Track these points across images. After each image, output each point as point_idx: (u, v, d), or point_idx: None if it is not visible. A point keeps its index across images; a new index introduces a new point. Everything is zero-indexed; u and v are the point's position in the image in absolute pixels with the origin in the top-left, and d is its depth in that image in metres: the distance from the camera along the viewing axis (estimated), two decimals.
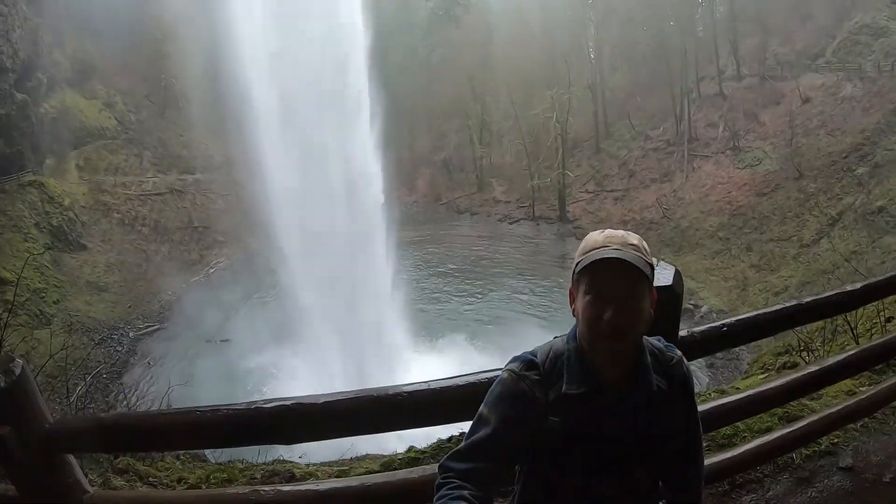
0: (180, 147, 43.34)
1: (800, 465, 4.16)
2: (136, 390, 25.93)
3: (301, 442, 2.62)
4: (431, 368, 26.77)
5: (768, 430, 4.30)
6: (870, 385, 4.86)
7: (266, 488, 2.73)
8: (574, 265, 1.81)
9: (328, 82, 26.20)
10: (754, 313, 3.16)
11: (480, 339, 29.91)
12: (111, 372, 28.44)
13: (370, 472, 4.30)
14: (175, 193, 42.45)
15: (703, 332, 2.97)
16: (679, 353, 2.00)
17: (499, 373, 2.16)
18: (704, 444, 4.19)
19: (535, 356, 1.89)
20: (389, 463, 4.53)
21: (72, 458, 2.80)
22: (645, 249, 1.79)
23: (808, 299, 3.33)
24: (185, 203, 42.09)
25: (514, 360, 1.91)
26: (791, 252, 31.81)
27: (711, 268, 33.93)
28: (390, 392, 2.46)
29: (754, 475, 4.04)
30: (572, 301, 1.85)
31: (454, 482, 1.77)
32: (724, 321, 3.06)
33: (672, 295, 2.52)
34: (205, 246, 40.33)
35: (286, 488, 2.72)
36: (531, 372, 1.86)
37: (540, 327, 31.25)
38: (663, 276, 2.52)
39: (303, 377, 26.17)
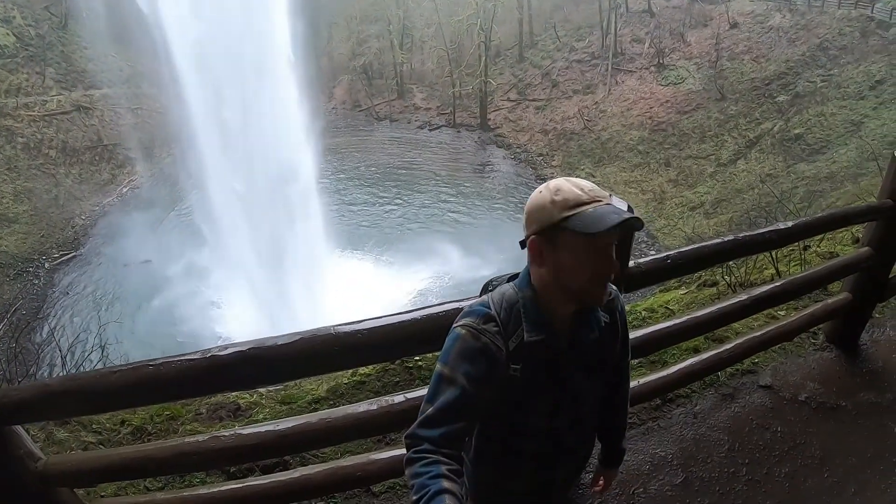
0: (85, 61, 40.35)
1: (724, 382, 4.42)
2: (62, 330, 25.54)
3: (261, 387, 2.58)
4: (351, 275, 27.12)
5: (696, 350, 4.52)
6: (787, 310, 5.15)
7: (226, 433, 2.68)
8: (555, 220, 1.73)
9: None
10: (696, 246, 3.24)
11: (398, 244, 30.39)
12: (31, 307, 27.53)
13: (318, 401, 4.38)
14: (82, 111, 39.80)
15: (648, 262, 3.05)
16: (614, 287, 2.04)
17: (457, 304, 2.29)
18: (637, 363, 4.43)
19: (489, 307, 1.85)
20: (336, 388, 4.53)
21: (20, 429, 2.68)
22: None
23: (745, 235, 3.44)
24: (94, 120, 39.51)
25: (468, 314, 1.86)
26: (708, 170, 32.81)
27: (630, 180, 34.68)
28: (348, 330, 2.38)
29: (683, 391, 4.28)
30: (538, 252, 1.80)
31: (428, 457, 1.70)
32: (668, 253, 3.13)
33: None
34: (116, 165, 38.32)
35: (246, 431, 2.63)
36: (489, 324, 1.81)
37: (456, 233, 32.12)
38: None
39: (226, 292, 26.08)
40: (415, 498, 1.64)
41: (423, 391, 2.09)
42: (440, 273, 28.03)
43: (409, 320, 2.45)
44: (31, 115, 37.41)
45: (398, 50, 51.10)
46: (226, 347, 2.36)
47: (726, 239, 3.34)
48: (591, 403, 2.07)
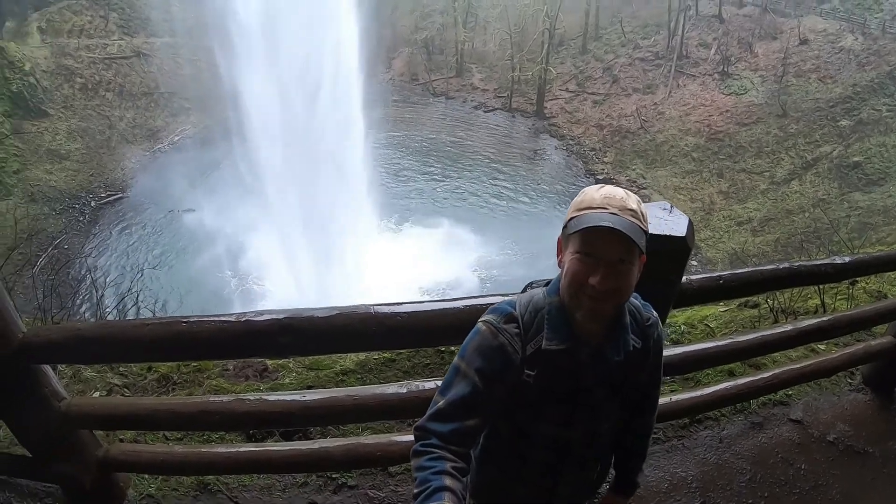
0: (149, 9, 40.47)
1: (755, 410, 4.35)
2: (101, 270, 26.07)
3: (292, 356, 2.59)
4: (391, 248, 27.22)
5: (732, 373, 4.44)
6: (827, 346, 5.03)
7: (251, 398, 2.71)
8: (567, 219, 1.76)
9: None
10: (750, 270, 3.17)
11: (440, 221, 30.42)
12: (74, 244, 28.21)
13: (346, 373, 4.36)
14: (142, 57, 40.26)
15: (699, 280, 2.97)
16: (655, 314, 1.99)
17: (497, 298, 2.20)
18: (670, 378, 4.35)
19: (514, 308, 1.83)
20: (365, 362, 4.51)
21: (47, 368, 2.72)
22: (643, 215, 1.72)
23: (800, 264, 3.35)
24: (152, 68, 39.92)
25: (493, 311, 1.85)
26: (761, 186, 32.11)
27: (680, 186, 34.08)
28: (387, 311, 2.36)
29: (712, 414, 4.21)
30: (560, 252, 1.81)
31: (434, 451, 1.72)
32: (721, 273, 3.06)
33: (683, 247, 2.43)
34: (171, 113, 38.73)
35: (271, 398, 2.66)
36: (510, 325, 1.80)
37: (497, 218, 31.98)
38: (677, 225, 2.43)
39: (266, 251, 26.28)
40: (416, 491, 1.66)
41: None
42: (477, 258, 27.98)
43: (450, 309, 2.42)
44: (91, 57, 38.06)
45: (461, 28, 50.70)
46: (262, 314, 2.36)
47: (782, 266, 3.26)
48: (611, 421, 2.03)
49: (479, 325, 1.83)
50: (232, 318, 2.34)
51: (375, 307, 2.38)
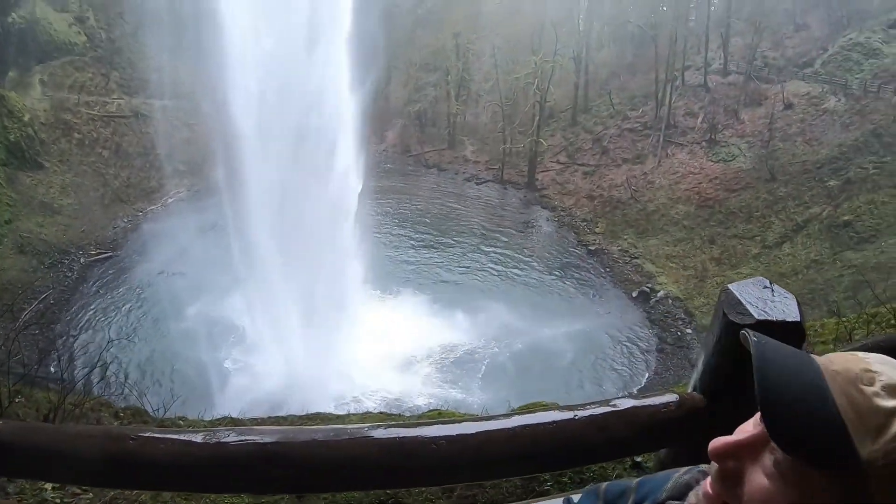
0: (150, 71, 41.57)
1: None
2: (84, 328, 25.93)
3: (284, 493, 2.14)
4: (380, 318, 26.96)
5: None
6: None
7: None
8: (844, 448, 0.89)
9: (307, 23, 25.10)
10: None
11: (430, 292, 30.35)
12: (60, 298, 28.15)
13: None
14: (140, 118, 41.21)
15: None
16: None
17: (553, 415, 1.85)
18: None
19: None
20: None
21: None
22: None
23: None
24: (149, 129, 40.61)
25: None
26: (753, 251, 32.40)
27: (672, 254, 34.24)
28: (415, 434, 1.85)
29: None
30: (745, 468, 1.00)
31: None
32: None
33: (799, 334, 1.95)
34: (166, 175, 39.09)
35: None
36: None
37: (487, 289, 31.99)
38: (787, 307, 1.97)
39: (254, 316, 26.05)
40: None
41: None
42: (470, 327, 27.71)
43: (500, 430, 1.88)
44: (90, 114, 39.16)
45: (454, 101, 51.72)
46: (242, 433, 1.86)
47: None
48: None
49: None
50: (198, 439, 1.84)
51: (400, 430, 1.88)
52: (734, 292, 1.84)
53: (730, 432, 1.04)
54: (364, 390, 22.98)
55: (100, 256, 32.12)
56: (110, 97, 41.10)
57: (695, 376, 2.00)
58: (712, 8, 48.64)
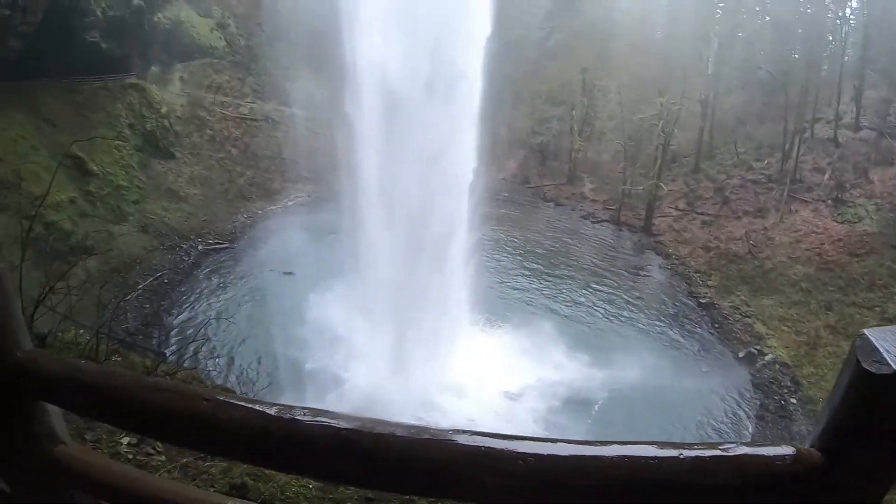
0: (283, 79, 44.34)
1: None
2: (185, 308, 27.56)
3: (353, 486, 2.09)
4: (489, 343, 27.27)
5: None
6: None
7: None
8: None
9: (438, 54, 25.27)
10: None
11: (538, 322, 29.79)
12: (173, 279, 30.22)
13: None
14: (270, 122, 43.90)
15: None
16: None
17: (653, 449, 1.65)
18: None
19: None
20: None
21: (50, 406, 2.29)
22: None
23: None
24: (278, 133, 43.45)
25: None
26: (871, 322, 30.24)
27: (785, 317, 32.77)
28: (502, 447, 1.66)
29: None
30: None
31: None
32: None
33: None
34: (289, 179, 41.50)
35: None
36: None
37: (592, 331, 31.59)
38: None
39: (355, 325, 26.78)
40: None
41: None
42: (569, 366, 27.40)
43: (594, 458, 1.67)
44: (223, 114, 42.05)
45: (577, 136, 51.54)
46: (317, 414, 1.80)
47: None
48: None
49: None
50: (272, 411, 1.80)
51: (487, 439, 1.69)
52: (871, 338, 1.58)
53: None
54: (468, 417, 22.85)
55: (217, 246, 34.30)
56: (244, 100, 44.09)
57: (815, 432, 1.77)
58: (846, 58, 46.23)
